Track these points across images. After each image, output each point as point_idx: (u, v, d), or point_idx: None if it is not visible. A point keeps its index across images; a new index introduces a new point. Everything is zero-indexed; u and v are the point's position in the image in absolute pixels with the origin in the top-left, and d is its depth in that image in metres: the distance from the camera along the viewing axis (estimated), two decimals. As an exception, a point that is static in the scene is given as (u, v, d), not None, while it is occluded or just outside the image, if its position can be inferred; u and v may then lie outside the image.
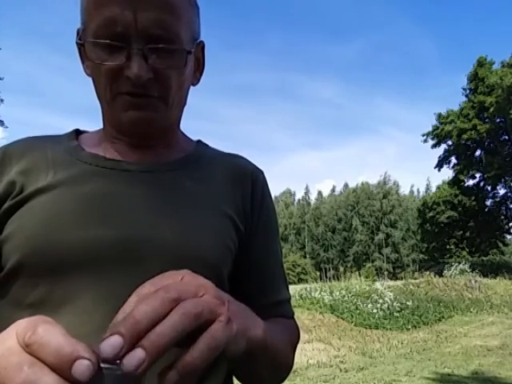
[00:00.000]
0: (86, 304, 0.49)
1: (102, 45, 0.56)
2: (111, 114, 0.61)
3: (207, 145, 0.74)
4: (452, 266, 18.02)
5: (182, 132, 0.71)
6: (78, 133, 0.68)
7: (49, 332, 0.28)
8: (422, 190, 54.95)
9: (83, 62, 0.64)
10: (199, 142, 0.74)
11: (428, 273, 16.19)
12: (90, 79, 0.63)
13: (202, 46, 0.67)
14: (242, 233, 0.63)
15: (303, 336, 7.22)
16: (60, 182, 0.57)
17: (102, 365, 0.28)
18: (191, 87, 0.67)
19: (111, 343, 0.29)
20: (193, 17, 0.62)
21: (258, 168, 0.72)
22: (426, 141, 27.48)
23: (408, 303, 10.70)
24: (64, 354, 0.26)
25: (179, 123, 0.69)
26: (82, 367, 0.26)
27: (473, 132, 24.74)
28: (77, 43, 0.63)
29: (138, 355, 0.29)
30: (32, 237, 0.51)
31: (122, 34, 0.55)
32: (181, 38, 0.58)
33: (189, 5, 0.60)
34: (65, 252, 0.50)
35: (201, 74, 0.69)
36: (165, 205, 0.58)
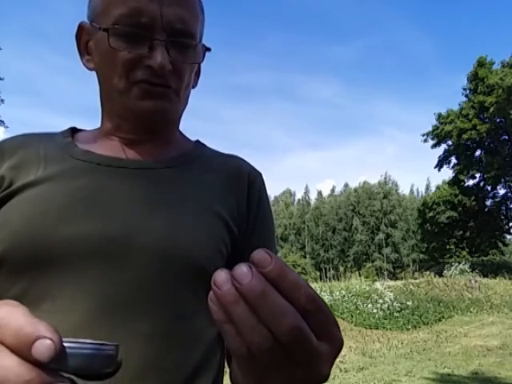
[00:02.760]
0: (64, 302, 0.49)
1: (123, 33, 0.57)
2: (123, 104, 0.60)
3: (205, 145, 0.73)
4: (452, 265, 18.03)
5: (180, 132, 0.71)
6: (74, 131, 0.68)
7: (9, 313, 0.26)
8: (422, 190, 55.08)
9: (82, 56, 0.64)
10: (197, 142, 0.73)
11: (428, 273, 16.21)
12: (90, 80, 0.63)
13: None
14: (236, 235, 0.62)
15: (303, 336, 7.14)
16: (49, 176, 0.57)
17: (66, 344, 0.26)
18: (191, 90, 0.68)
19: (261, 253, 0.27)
20: (203, 22, 0.66)
21: (255, 169, 0.71)
22: (426, 141, 27.47)
23: (408, 303, 10.70)
24: (24, 334, 0.25)
25: (179, 123, 0.70)
26: (43, 347, 0.24)
27: (473, 132, 24.72)
28: (76, 37, 0.64)
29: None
30: (15, 232, 0.51)
31: (146, 25, 0.57)
32: (197, 36, 0.62)
33: (201, 9, 0.65)
34: (46, 248, 0.50)
35: (198, 78, 0.71)
36: (154, 203, 0.56)
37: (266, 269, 0.27)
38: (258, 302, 0.26)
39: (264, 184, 0.71)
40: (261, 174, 0.71)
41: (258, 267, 0.27)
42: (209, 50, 0.64)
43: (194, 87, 0.69)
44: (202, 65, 0.70)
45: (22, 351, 0.25)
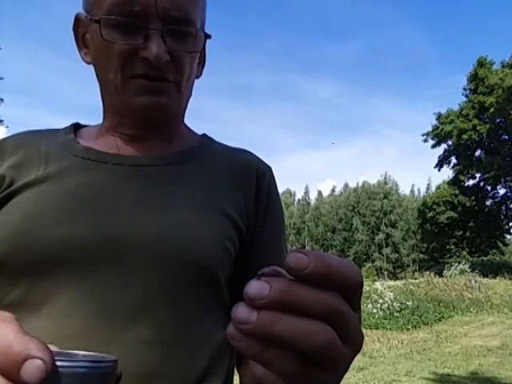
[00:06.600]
0: (64, 305, 0.47)
1: (116, 24, 0.54)
2: (120, 100, 0.58)
3: (212, 139, 0.70)
4: (452, 266, 18.02)
5: (186, 125, 0.69)
6: (77, 127, 0.66)
7: None
8: (423, 190, 55.08)
9: (80, 50, 0.62)
10: (204, 135, 0.70)
11: (428, 273, 16.22)
12: (90, 79, 0.63)
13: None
14: (244, 233, 0.59)
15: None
16: (49, 175, 0.55)
17: (59, 363, 0.24)
18: (195, 80, 0.65)
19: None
20: (204, 6, 0.62)
21: (264, 164, 0.68)
22: (426, 141, 27.45)
23: (408, 303, 10.70)
24: (12, 353, 0.23)
25: (184, 116, 0.67)
26: (32, 368, 0.22)
27: (473, 132, 24.70)
28: (73, 29, 0.61)
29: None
30: (14, 233, 0.49)
31: (140, 14, 0.53)
32: (197, 23, 0.58)
33: None
34: (46, 249, 0.48)
35: (203, 67, 0.68)
36: (155, 201, 0.54)
37: (307, 270, 0.24)
38: (300, 298, 0.24)
39: (273, 178, 0.67)
40: (270, 169, 0.68)
41: (297, 270, 0.24)
42: (209, 36, 0.60)
43: (198, 77, 0.66)
44: (207, 52, 0.66)
45: (10, 372, 0.23)
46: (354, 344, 0.27)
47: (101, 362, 0.27)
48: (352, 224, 51.64)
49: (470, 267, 17.34)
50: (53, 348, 0.25)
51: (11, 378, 0.23)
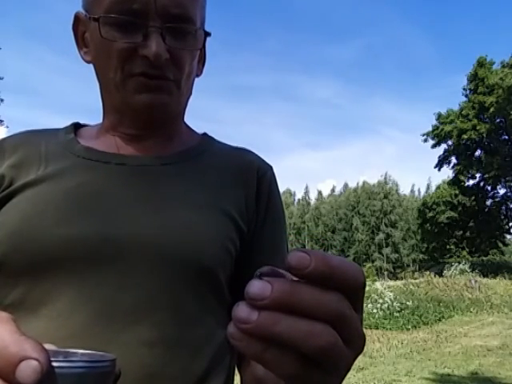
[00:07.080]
0: (64, 306, 0.47)
1: (115, 23, 0.54)
2: (120, 98, 0.57)
3: (213, 138, 0.69)
4: (452, 266, 18.04)
5: (186, 124, 0.69)
6: (77, 126, 0.66)
7: None
8: (423, 190, 55.10)
9: (80, 49, 0.62)
10: (205, 134, 0.70)
11: (428, 273, 16.26)
12: (90, 79, 0.62)
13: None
14: (245, 233, 0.59)
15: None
16: (49, 175, 0.55)
17: (55, 363, 0.24)
18: (195, 78, 0.65)
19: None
20: (204, 4, 0.62)
21: (265, 163, 0.68)
22: (426, 140, 27.49)
23: (408, 303, 10.71)
24: (8, 354, 0.23)
25: (184, 115, 0.67)
26: (28, 369, 0.22)
27: (473, 132, 24.73)
28: (73, 28, 0.61)
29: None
30: (13, 233, 0.49)
31: (139, 12, 0.53)
32: (196, 21, 0.58)
33: None
34: (44, 250, 0.48)
35: (203, 66, 0.67)
36: (156, 201, 0.54)
37: (308, 269, 0.24)
38: (301, 299, 0.24)
39: (274, 178, 0.67)
40: (271, 168, 0.68)
41: (298, 269, 0.24)
42: (209, 34, 0.60)
43: (198, 76, 0.65)
44: (207, 52, 0.66)
45: (5, 373, 0.23)
46: (356, 346, 0.27)
47: (98, 362, 0.26)
48: (352, 224, 51.64)
49: (470, 267, 17.37)
50: (51, 347, 0.25)
51: (7, 379, 0.23)
